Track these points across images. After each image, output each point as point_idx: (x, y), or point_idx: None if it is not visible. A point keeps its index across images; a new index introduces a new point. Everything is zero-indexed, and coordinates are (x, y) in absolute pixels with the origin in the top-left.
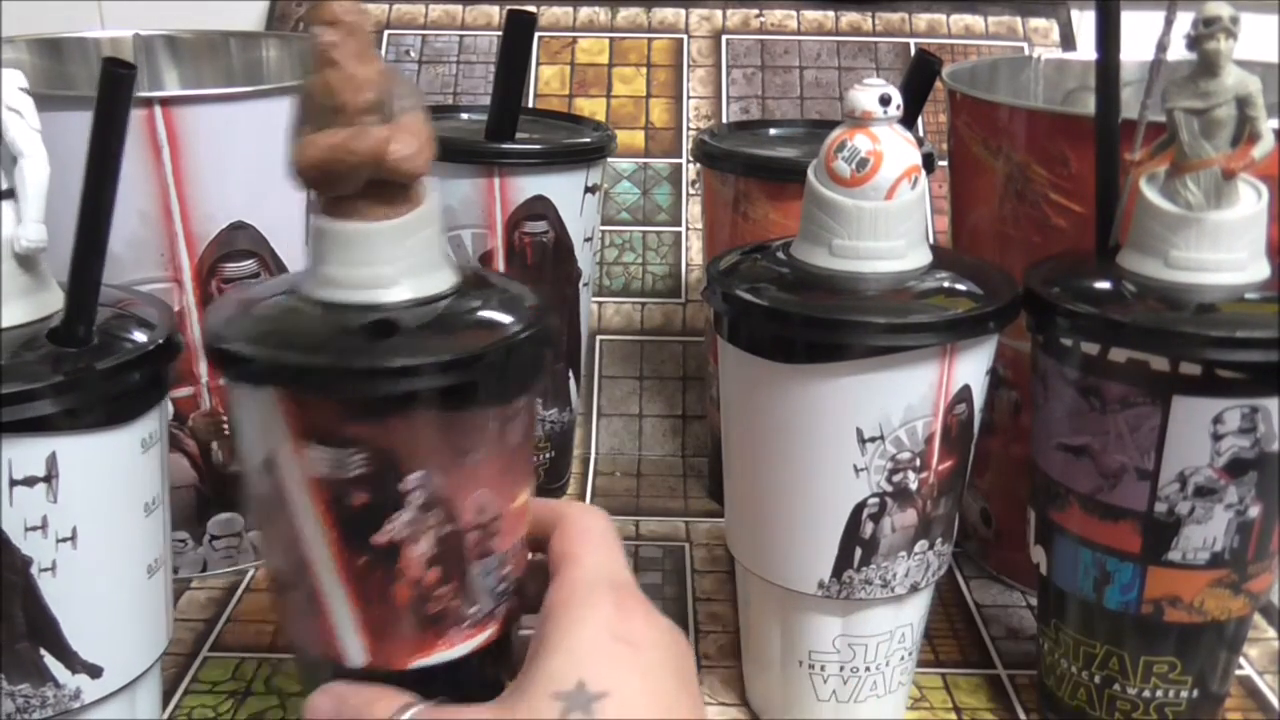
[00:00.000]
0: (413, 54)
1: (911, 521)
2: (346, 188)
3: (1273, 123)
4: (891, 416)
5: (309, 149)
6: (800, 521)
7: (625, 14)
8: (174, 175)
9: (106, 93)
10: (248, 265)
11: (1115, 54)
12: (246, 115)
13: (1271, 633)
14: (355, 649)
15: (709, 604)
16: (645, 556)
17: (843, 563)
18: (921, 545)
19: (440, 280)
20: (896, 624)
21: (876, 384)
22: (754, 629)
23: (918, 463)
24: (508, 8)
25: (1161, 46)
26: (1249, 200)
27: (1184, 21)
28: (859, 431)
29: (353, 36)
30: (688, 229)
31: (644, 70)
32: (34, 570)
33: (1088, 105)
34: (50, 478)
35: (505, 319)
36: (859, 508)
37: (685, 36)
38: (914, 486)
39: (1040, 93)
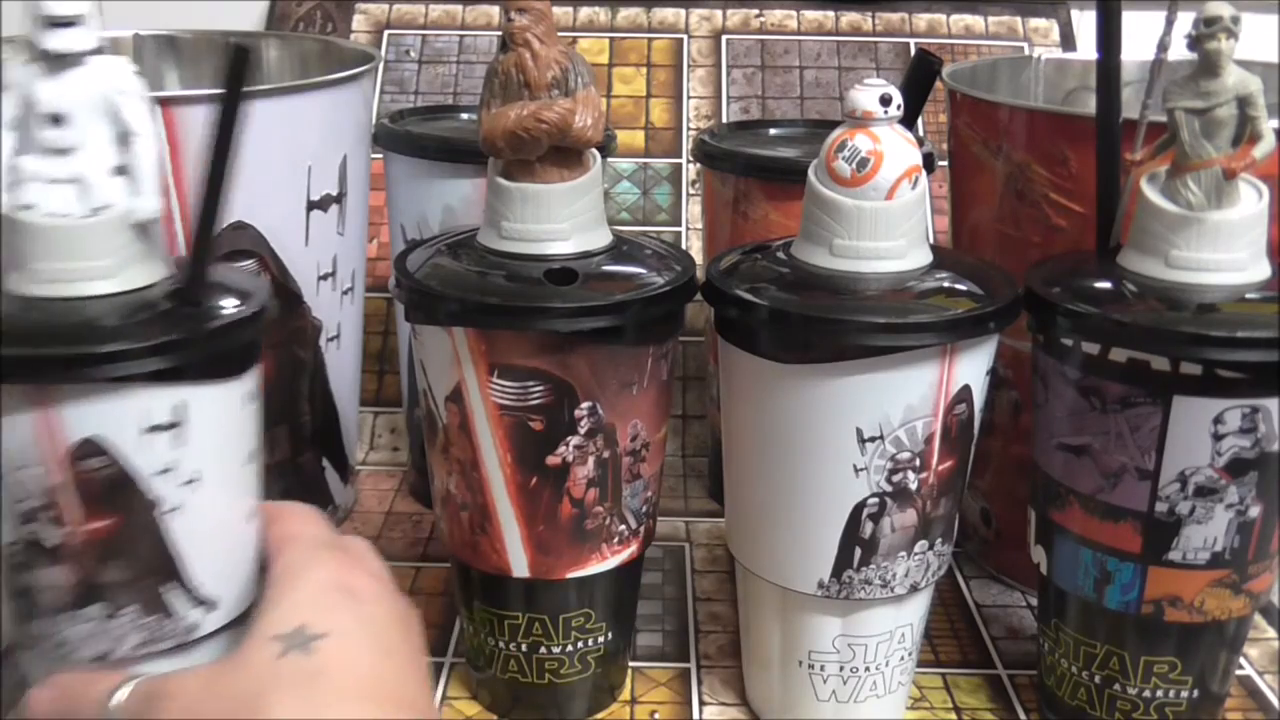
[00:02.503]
0: (413, 54)
1: (911, 522)
2: (532, 153)
3: (1273, 123)
4: (891, 416)
5: (500, 119)
6: (800, 521)
7: (625, 14)
8: (174, 175)
9: (233, 70)
10: (248, 265)
11: (1116, 54)
12: (246, 115)
13: (1271, 633)
14: (520, 562)
15: (709, 604)
16: (645, 556)
17: (842, 563)
18: (921, 545)
19: (600, 236)
20: (896, 624)
21: (876, 384)
22: (754, 629)
23: (917, 463)
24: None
25: (1162, 46)
26: (1250, 200)
27: (1185, 21)
28: (859, 431)
29: (541, 21)
30: (688, 229)
31: (644, 70)
32: (162, 511)
33: (1088, 105)
34: (178, 425)
35: (659, 270)
36: (858, 508)
37: (685, 36)
38: (914, 487)
39: (1040, 93)
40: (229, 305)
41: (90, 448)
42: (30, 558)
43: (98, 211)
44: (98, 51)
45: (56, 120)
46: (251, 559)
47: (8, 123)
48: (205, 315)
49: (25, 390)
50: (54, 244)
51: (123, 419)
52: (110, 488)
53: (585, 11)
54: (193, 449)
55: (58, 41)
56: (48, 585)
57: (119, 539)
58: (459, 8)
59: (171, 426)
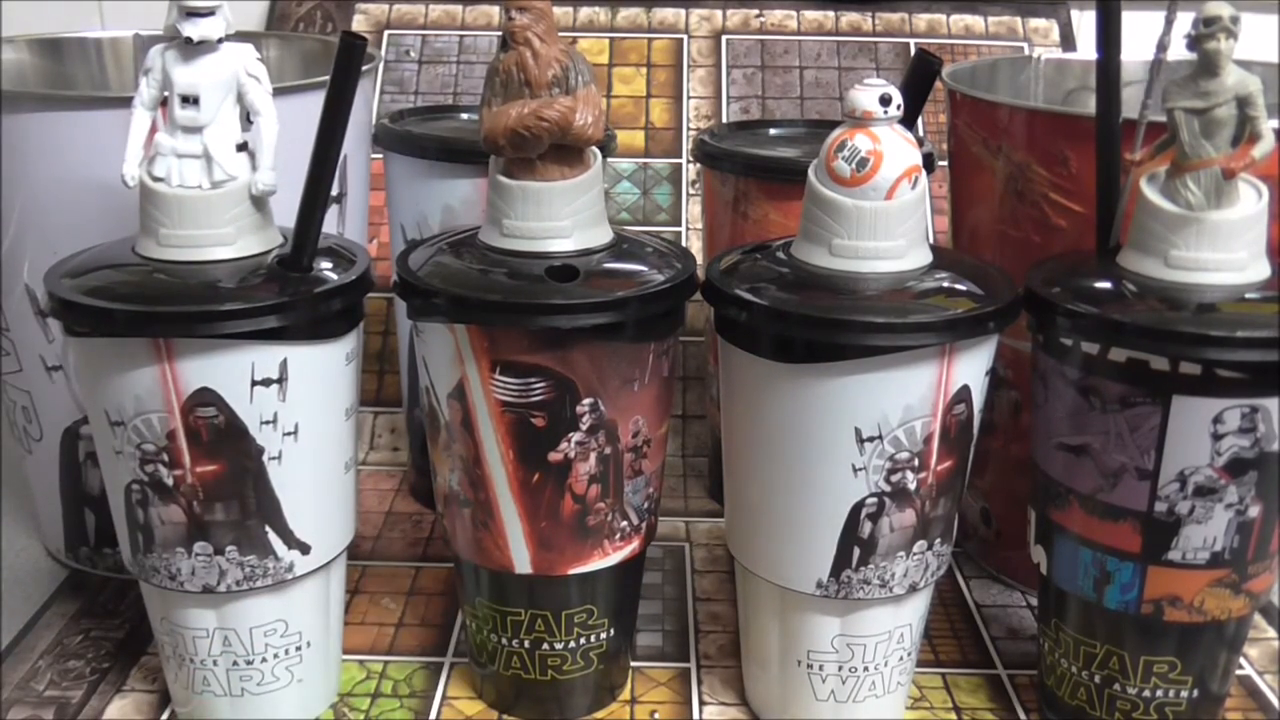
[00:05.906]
0: (413, 54)
1: (910, 522)
2: (533, 151)
3: (1273, 123)
4: (890, 416)
5: (501, 118)
6: (799, 521)
7: (625, 14)
8: None
9: (342, 60)
10: None
11: (1115, 54)
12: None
13: (1271, 633)
14: (523, 558)
15: (709, 604)
16: (646, 555)
17: (841, 562)
18: (920, 546)
19: (601, 234)
20: (895, 624)
21: (875, 384)
22: (753, 629)
23: (916, 463)
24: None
25: (1162, 46)
26: (1249, 200)
27: (1184, 21)
28: (857, 431)
29: (541, 19)
30: (688, 229)
31: (644, 70)
32: (265, 458)
33: (1088, 105)
34: (282, 380)
35: (660, 267)
36: (857, 507)
37: (685, 36)
38: (912, 487)
39: (1040, 93)
40: (332, 272)
41: (204, 397)
42: (149, 495)
43: (221, 184)
44: (227, 39)
45: (190, 101)
46: (346, 508)
47: (146, 102)
48: (310, 281)
49: (149, 343)
50: (182, 212)
51: (233, 372)
52: (220, 434)
53: (585, 11)
54: (294, 403)
55: (195, 29)
56: (163, 521)
57: (226, 482)
58: (459, 8)
59: (276, 381)
